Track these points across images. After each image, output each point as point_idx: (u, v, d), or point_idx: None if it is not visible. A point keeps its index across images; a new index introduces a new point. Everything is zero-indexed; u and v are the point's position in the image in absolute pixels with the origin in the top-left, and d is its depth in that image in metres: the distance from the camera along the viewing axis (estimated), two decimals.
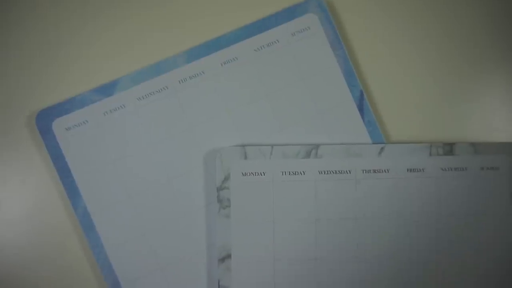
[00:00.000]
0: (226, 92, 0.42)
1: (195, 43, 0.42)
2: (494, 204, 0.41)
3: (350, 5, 0.43)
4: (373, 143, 0.42)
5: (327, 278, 0.41)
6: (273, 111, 0.42)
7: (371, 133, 0.42)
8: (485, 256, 0.41)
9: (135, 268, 0.41)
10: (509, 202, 0.41)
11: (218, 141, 0.42)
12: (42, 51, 0.42)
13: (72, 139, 0.41)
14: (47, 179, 0.41)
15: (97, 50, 0.42)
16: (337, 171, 0.41)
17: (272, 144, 0.41)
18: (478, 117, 0.43)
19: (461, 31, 0.44)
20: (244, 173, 0.41)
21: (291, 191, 0.41)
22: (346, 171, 0.41)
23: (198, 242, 0.41)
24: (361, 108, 0.42)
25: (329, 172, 0.41)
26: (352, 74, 0.42)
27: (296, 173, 0.41)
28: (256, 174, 0.41)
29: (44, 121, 0.41)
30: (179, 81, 0.42)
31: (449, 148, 0.41)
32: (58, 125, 0.41)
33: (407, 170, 0.41)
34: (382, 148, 0.41)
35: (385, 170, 0.41)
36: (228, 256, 0.40)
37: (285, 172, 0.41)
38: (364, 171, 0.41)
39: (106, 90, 0.41)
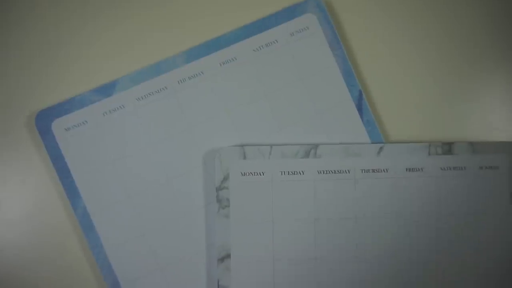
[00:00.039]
0: (225, 92, 0.42)
1: (194, 43, 0.42)
2: (494, 203, 0.41)
3: (349, 5, 0.43)
4: (372, 143, 0.42)
5: (326, 278, 0.41)
6: (272, 111, 0.42)
7: (370, 133, 0.42)
8: (485, 256, 0.41)
9: (134, 268, 0.41)
10: (509, 201, 0.41)
11: (217, 141, 0.42)
12: (41, 51, 0.42)
13: (72, 140, 0.41)
14: (47, 179, 0.41)
15: (96, 50, 0.42)
16: (336, 171, 0.41)
17: (271, 144, 0.41)
18: (478, 116, 0.43)
19: (461, 31, 0.44)
20: (243, 173, 0.41)
21: (290, 191, 0.41)
22: (345, 170, 0.41)
23: (198, 242, 0.41)
24: (360, 108, 0.42)
25: (328, 172, 0.41)
26: (350, 74, 0.42)
27: (295, 173, 0.41)
28: (255, 174, 0.41)
29: (43, 121, 0.41)
30: (178, 82, 0.42)
31: (447, 148, 0.41)
32: (58, 126, 0.41)
33: (406, 170, 0.41)
34: (381, 148, 0.41)
35: (384, 170, 0.41)
36: (228, 256, 0.40)
37: (284, 172, 0.41)
38: (363, 171, 0.41)
39: (106, 90, 0.41)
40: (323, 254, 0.41)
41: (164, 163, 0.41)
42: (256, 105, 0.42)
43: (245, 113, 0.42)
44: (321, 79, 0.42)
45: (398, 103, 0.43)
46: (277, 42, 0.42)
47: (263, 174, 0.41)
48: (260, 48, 0.42)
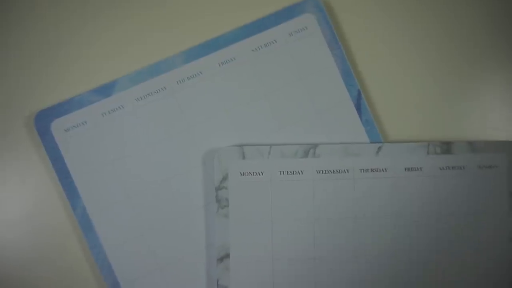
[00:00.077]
0: (224, 92, 0.42)
1: (192, 43, 0.42)
2: (493, 202, 0.41)
3: (347, 4, 0.43)
4: (370, 142, 0.42)
5: (326, 278, 0.41)
6: (271, 111, 0.42)
7: (369, 133, 0.42)
8: (484, 255, 0.41)
9: (134, 268, 0.41)
10: (508, 200, 0.41)
11: (216, 141, 0.42)
12: (41, 51, 0.42)
13: (71, 140, 0.41)
14: (47, 180, 0.42)
15: (95, 51, 0.42)
16: (335, 171, 0.41)
17: (270, 144, 0.41)
18: (477, 116, 0.43)
19: (461, 31, 0.44)
20: (242, 173, 0.41)
21: (289, 190, 0.41)
22: (344, 170, 0.41)
23: (197, 242, 0.41)
24: (358, 108, 0.42)
25: (327, 172, 0.41)
26: (349, 73, 0.42)
27: (294, 172, 0.41)
28: (254, 173, 0.41)
29: (42, 122, 0.41)
30: (177, 82, 0.42)
31: (446, 147, 0.41)
32: (57, 126, 0.41)
33: (405, 169, 0.41)
34: (379, 147, 0.41)
35: (383, 169, 0.41)
36: (227, 255, 0.40)
37: (283, 172, 0.41)
38: (362, 170, 0.41)
39: (105, 90, 0.41)
40: (322, 254, 0.41)
41: (163, 163, 0.41)
42: (255, 105, 0.42)
43: (244, 113, 0.42)
44: (320, 79, 0.42)
45: (397, 103, 0.43)
46: (276, 42, 0.42)
47: (262, 174, 0.41)
48: (259, 48, 0.42)
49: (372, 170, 0.41)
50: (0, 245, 0.41)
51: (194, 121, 0.42)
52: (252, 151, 0.41)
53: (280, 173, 0.41)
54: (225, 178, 0.41)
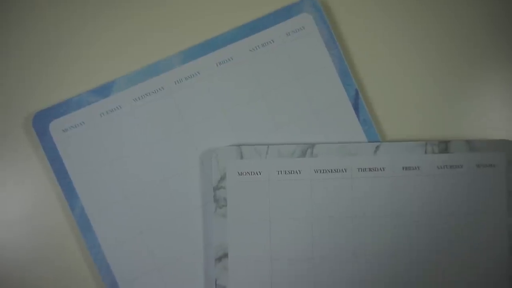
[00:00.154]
0: (221, 92, 0.42)
1: (190, 43, 0.43)
2: (492, 202, 0.41)
3: (345, 4, 0.43)
4: (368, 142, 0.42)
5: (324, 278, 0.41)
6: (269, 110, 0.42)
7: (367, 132, 0.42)
8: (484, 255, 0.41)
9: (132, 268, 0.41)
10: (507, 199, 0.41)
11: (214, 141, 0.42)
12: (40, 52, 0.42)
13: (69, 141, 0.41)
14: (45, 180, 0.42)
15: (93, 51, 0.43)
16: (333, 170, 0.41)
17: (268, 144, 0.41)
18: (475, 115, 0.43)
19: (461, 31, 0.44)
20: (240, 173, 0.41)
21: (287, 190, 0.41)
22: (342, 169, 0.41)
23: (195, 241, 0.41)
24: (356, 107, 0.42)
25: (325, 171, 0.41)
26: (347, 73, 0.42)
27: (292, 172, 0.41)
28: (252, 173, 0.41)
29: (41, 122, 0.41)
30: (175, 82, 0.42)
31: (444, 146, 0.41)
32: (55, 127, 0.41)
33: (403, 168, 0.41)
34: (377, 147, 0.41)
35: (381, 169, 0.41)
36: (225, 255, 0.40)
37: (281, 171, 0.41)
38: (360, 170, 0.41)
39: (103, 91, 0.42)
40: (320, 253, 0.41)
41: (161, 163, 0.41)
42: (252, 105, 0.42)
43: (242, 113, 0.42)
44: (318, 79, 0.42)
45: (394, 102, 0.43)
46: (273, 42, 0.42)
47: (260, 174, 0.41)
48: (257, 48, 0.42)
49: (370, 170, 0.41)
50: None
51: (192, 121, 0.42)
52: (250, 151, 0.41)
53: (278, 173, 0.41)
54: (223, 178, 0.41)
